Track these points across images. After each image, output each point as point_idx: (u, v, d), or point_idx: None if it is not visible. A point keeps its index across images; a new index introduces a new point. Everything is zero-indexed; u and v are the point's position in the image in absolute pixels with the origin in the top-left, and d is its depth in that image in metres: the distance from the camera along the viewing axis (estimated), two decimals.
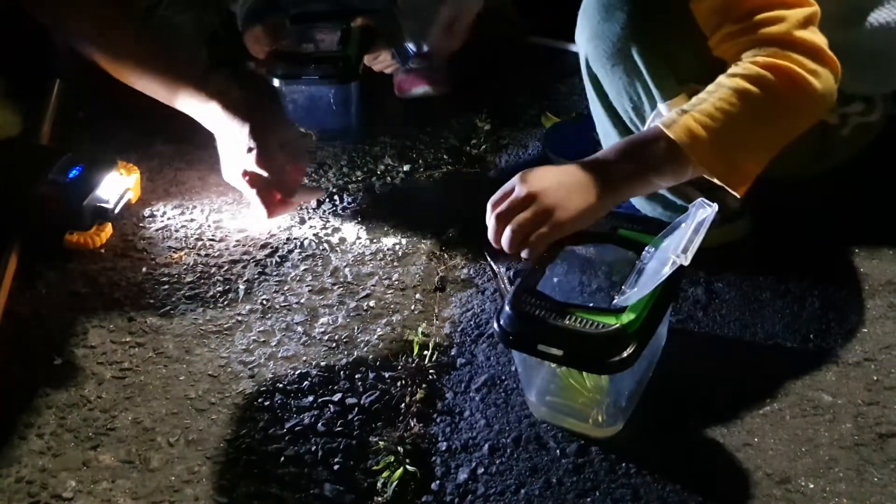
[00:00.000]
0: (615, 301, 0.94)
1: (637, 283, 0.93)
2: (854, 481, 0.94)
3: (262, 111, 1.26)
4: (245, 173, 1.25)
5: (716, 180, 0.97)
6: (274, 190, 1.26)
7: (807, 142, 1.00)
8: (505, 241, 0.95)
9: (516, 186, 0.96)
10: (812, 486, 0.94)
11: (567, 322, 0.90)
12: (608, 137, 1.17)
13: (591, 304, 0.94)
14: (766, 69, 0.92)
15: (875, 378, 1.05)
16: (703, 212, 0.92)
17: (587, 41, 1.07)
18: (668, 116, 0.96)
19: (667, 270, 0.88)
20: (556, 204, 0.94)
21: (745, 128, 0.94)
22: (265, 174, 1.24)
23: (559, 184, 0.95)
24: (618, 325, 0.89)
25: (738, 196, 0.97)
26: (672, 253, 0.87)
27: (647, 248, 0.98)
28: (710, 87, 0.95)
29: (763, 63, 0.93)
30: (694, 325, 1.15)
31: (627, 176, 0.97)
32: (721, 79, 0.95)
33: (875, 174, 1.37)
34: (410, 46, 1.53)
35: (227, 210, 1.42)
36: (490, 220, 0.97)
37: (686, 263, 0.87)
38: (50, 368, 1.13)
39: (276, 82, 1.51)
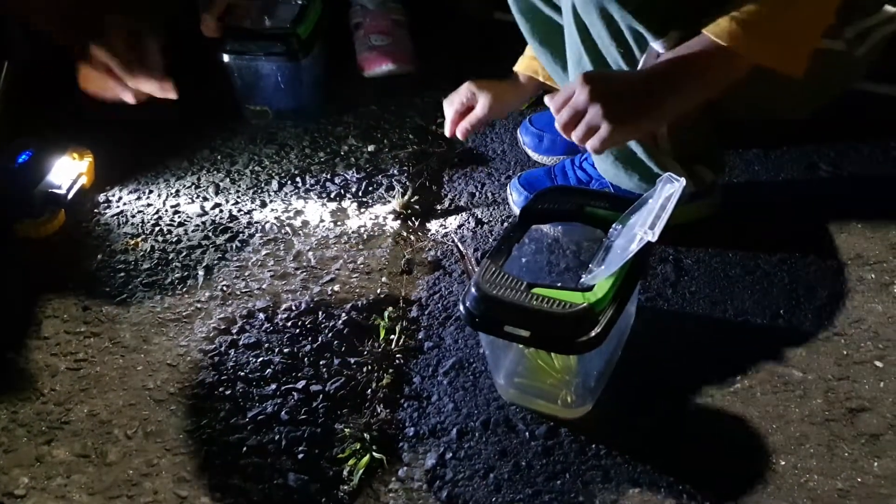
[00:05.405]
0: (582, 280, 0.92)
1: (605, 260, 0.91)
2: (825, 457, 0.94)
3: None
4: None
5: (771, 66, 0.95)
6: None
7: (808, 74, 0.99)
8: (579, 136, 0.95)
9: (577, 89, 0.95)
10: (783, 462, 0.93)
11: (534, 302, 0.88)
12: None
13: (558, 284, 0.92)
14: None
15: (845, 353, 1.05)
16: (671, 187, 0.90)
17: None
18: (708, 25, 0.94)
19: (634, 247, 0.86)
20: (615, 97, 0.94)
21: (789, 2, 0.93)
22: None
23: (617, 88, 0.95)
24: (585, 304, 0.87)
25: (797, 76, 0.95)
26: (639, 229, 0.86)
27: (614, 226, 0.96)
28: None
29: None
30: (663, 302, 1.14)
31: (680, 81, 0.95)
32: None
33: (842, 150, 1.37)
34: None
35: (185, 194, 1.38)
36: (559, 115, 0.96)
37: (654, 240, 0.85)
38: (1, 362, 1.09)
39: (226, 58, 1.47)
